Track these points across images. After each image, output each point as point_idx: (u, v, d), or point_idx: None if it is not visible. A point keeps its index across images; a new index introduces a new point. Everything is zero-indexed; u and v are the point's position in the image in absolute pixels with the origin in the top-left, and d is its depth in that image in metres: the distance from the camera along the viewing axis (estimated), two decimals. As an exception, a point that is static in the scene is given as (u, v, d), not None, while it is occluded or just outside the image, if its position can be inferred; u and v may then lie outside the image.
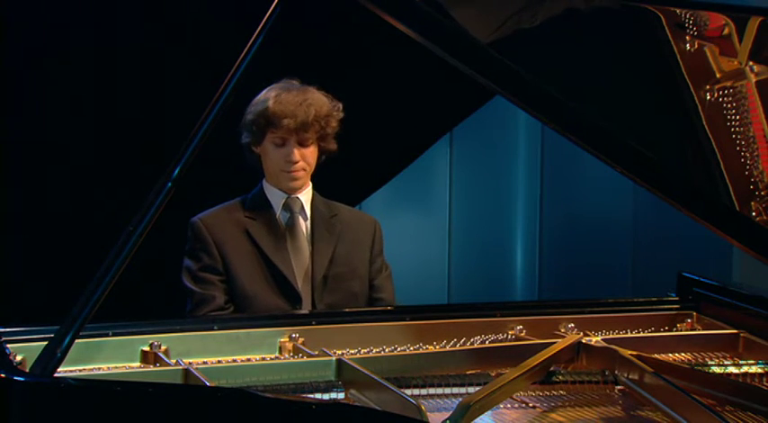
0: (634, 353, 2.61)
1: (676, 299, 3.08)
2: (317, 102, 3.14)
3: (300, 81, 3.20)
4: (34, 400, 2.16)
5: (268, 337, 2.72)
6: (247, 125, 3.17)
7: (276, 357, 2.67)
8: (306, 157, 3.16)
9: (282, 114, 3.09)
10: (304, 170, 3.17)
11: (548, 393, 2.58)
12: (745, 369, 2.65)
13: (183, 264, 3.18)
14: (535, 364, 2.52)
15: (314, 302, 3.15)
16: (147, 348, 2.58)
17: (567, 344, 2.68)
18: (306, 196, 3.22)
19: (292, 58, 3.97)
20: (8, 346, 2.44)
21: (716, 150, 2.43)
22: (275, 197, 3.20)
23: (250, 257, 3.14)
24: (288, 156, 3.13)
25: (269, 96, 3.14)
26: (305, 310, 3.10)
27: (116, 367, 2.53)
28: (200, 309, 3.10)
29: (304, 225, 3.21)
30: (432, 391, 2.54)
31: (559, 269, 5.84)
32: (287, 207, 3.20)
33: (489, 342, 2.79)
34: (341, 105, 3.20)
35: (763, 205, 2.40)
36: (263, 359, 2.62)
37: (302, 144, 3.14)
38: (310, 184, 3.24)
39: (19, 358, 2.44)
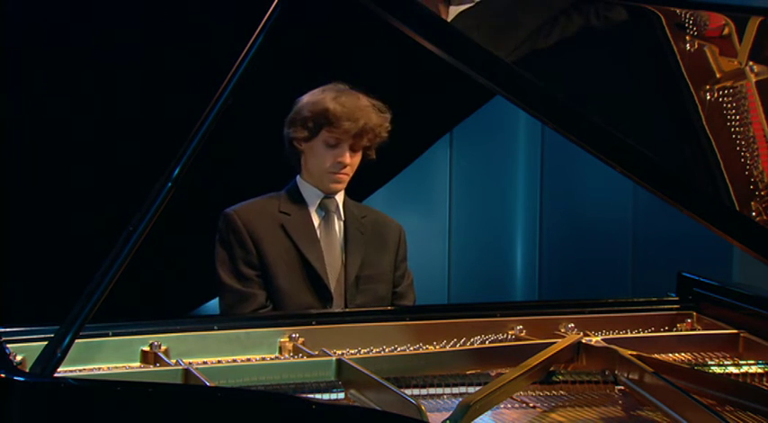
0: (634, 353, 2.61)
1: (676, 299, 3.08)
2: (375, 110, 3.15)
3: (350, 86, 3.19)
4: (34, 400, 2.16)
5: (268, 337, 2.72)
6: (301, 120, 3.15)
7: (276, 357, 2.67)
8: (353, 163, 3.17)
9: (344, 116, 3.09)
10: (347, 175, 3.17)
11: (548, 393, 2.58)
12: (745, 369, 2.65)
13: (215, 256, 3.15)
14: (535, 364, 2.52)
15: (346, 303, 3.14)
16: (147, 348, 2.58)
17: (566, 344, 2.68)
18: (340, 197, 3.23)
19: (292, 57, 3.98)
20: (8, 346, 2.43)
21: (716, 150, 2.43)
22: (311, 195, 3.19)
23: (285, 253, 3.13)
24: (338, 157, 3.13)
25: (326, 96, 3.12)
26: (338, 309, 3.11)
27: (116, 367, 2.53)
28: (242, 307, 3.08)
29: (338, 225, 3.21)
30: (432, 391, 2.54)
31: (559, 269, 5.84)
32: (323, 206, 3.20)
33: (489, 342, 2.80)
34: (390, 116, 3.20)
35: (763, 205, 2.40)
36: (263, 359, 2.62)
37: (354, 149, 3.15)
38: None
39: (19, 358, 2.44)
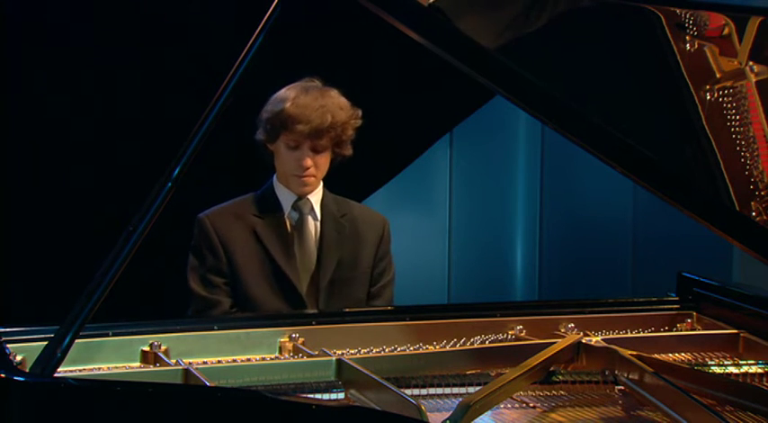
0: (634, 353, 2.61)
1: (676, 299, 3.08)
2: (335, 108, 3.06)
3: (323, 81, 3.13)
4: (34, 400, 2.16)
5: (268, 337, 2.72)
6: (263, 123, 3.11)
7: (276, 357, 2.67)
8: (318, 164, 3.09)
9: (297, 119, 3.03)
10: (314, 176, 3.11)
11: (548, 393, 2.58)
12: (745, 369, 2.65)
13: (187, 261, 3.13)
14: (535, 364, 2.52)
15: (319, 308, 3.10)
16: (147, 348, 2.58)
17: (566, 344, 2.68)
18: (316, 197, 3.17)
19: (292, 57, 3.98)
20: (8, 346, 2.44)
21: (716, 150, 2.43)
22: (285, 197, 3.14)
23: (256, 259, 3.10)
24: (299, 161, 3.07)
25: (287, 96, 3.07)
26: (304, 311, 3.09)
27: (116, 367, 2.53)
28: (206, 314, 3.06)
29: (313, 226, 3.15)
30: (432, 391, 2.54)
31: (559, 269, 5.84)
32: (296, 208, 3.14)
33: (489, 342, 2.79)
34: (360, 112, 3.13)
35: (763, 205, 2.40)
36: (263, 359, 2.62)
37: (315, 150, 3.08)
38: (321, 182, 3.19)
39: (19, 358, 2.44)
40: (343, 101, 3.11)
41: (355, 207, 3.27)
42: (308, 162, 3.08)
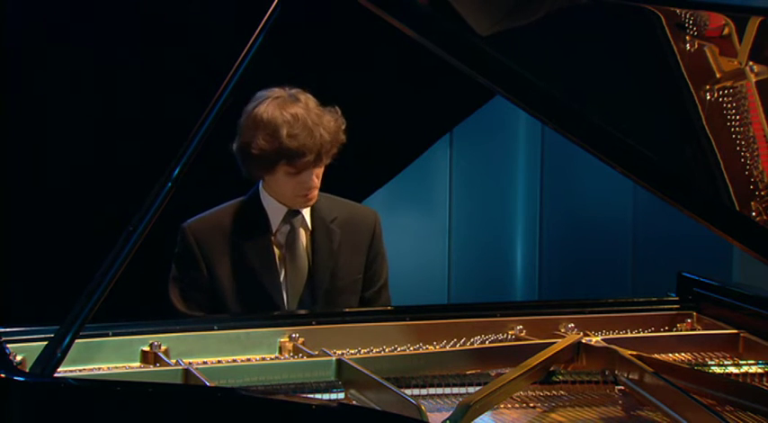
0: (634, 353, 2.61)
1: (676, 299, 3.07)
2: (321, 120, 2.94)
3: (285, 88, 2.99)
4: (34, 400, 2.16)
5: (268, 337, 2.72)
6: (255, 158, 2.95)
7: (276, 357, 2.67)
8: (319, 176, 3.00)
9: (300, 151, 2.90)
10: (317, 189, 3.01)
11: (548, 393, 2.58)
12: (745, 369, 2.65)
13: (170, 270, 3.06)
14: (535, 364, 2.52)
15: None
16: (147, 348, 2.58)
17: (566, 344, 2.68)
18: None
19: (292, 57, 3.98)
20: (8, 346, 2.44)
21: (716, 150, 2.43)
22: (274, 209, 3.03)
23: (239, 276, 3.01)
24: (305, 183, 2.96)
25: (275, 125, 2.90)
26: (304, 311, 3.08)
27: (116, 367, 2.53)
28: None
29: (304, 236, 3.06)
30: (432, 391, 2.54)
31: (559, 269, 5.84)
32: (287, 220, 3.04)
33: (489, 342, 2.79)
34: (339, 110, 3.01)
35: (763, 205, 2.40)
36: (263, 359, 2.62)
37: (318, 166, 2.98)
38: None
39: (19, 358, 2.44)
40: (314, 105, 2.98)
41: (344, 206, 3.15)
42: (315, 181, 2.98)
